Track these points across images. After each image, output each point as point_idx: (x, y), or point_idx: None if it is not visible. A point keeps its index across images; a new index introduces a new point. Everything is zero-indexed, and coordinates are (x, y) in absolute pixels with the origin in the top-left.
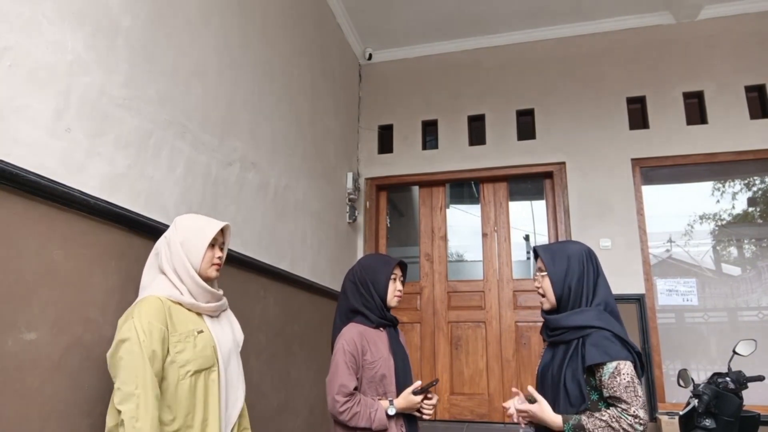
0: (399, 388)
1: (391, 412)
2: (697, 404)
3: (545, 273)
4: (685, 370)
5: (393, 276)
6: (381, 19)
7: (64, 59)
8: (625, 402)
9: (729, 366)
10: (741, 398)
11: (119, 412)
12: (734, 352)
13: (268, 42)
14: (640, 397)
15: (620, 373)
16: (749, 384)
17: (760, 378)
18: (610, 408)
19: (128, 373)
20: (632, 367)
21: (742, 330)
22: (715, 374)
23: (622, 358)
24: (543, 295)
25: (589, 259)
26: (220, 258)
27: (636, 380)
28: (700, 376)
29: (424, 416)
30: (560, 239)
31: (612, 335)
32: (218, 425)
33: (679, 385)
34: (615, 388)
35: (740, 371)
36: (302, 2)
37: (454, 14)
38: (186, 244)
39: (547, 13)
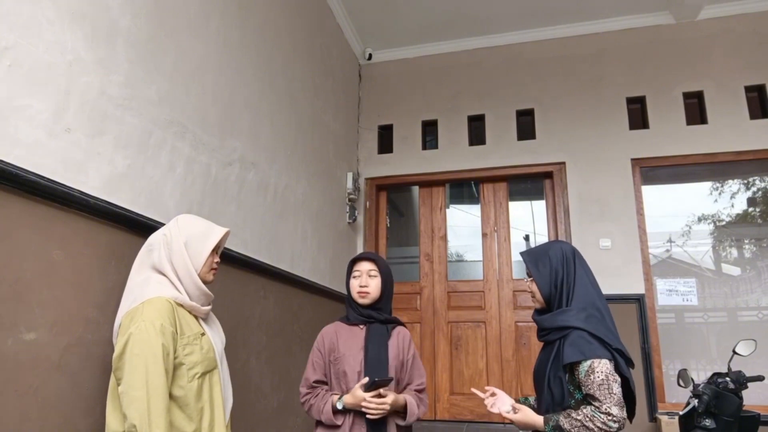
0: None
1: (339, 406)
2: (697, 404)
3: (532, 278)
4: (684, 370)
5: (355, 274)
6: (381, 19)
7: (64, 59)
8: (598, 400)
9: (729, 366)
10: (741, 398)
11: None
12: (734, 352)
13: (268, 42)
14: (614, 394)
15: (594, 371)
16: (749, 384)
17: (760, 378)
18: (586, 407)
19: (138, 377)
20: (608, 365)
21: (742, 330)
22: (714, 374)
23: (596, 356)
24: (532, 297)
25: (570, 259)
26: (218, 263)
27: (611, 378)
28: (700, 376)
29: (368, 416)
30: (560, 239)
31: (588, 335)
32: (223, 425)
33: (679, 385)
34: (589, 386)
35: (740, 371)
36: (302, 2)
37: (454, 14)
38: (190, 245)
39: (547, 13)
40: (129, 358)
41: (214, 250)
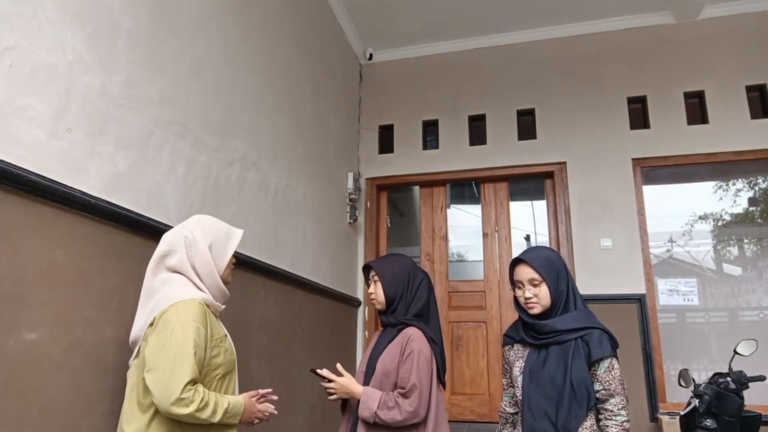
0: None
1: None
2: (698, 404)
3: (542, 281)
4: (686, 370)
5: (368, 281)
6: (381, 19)
7: (65, 59)
8: (620, 394)
9: (730, 366)
10: (742, 398)
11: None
12: (735, 352)
13: (268, 42)
14: (625, 388)
15: (613, 368)
16: (750, 384)
17: (761, 378)
18: (607, 424)
19: (187, 367)
20: (617, 361)
21: (743, 330)
22: (716, 374)
23: (615, 354)
24: (537, 303)
25: (564, 264)
26: (234, 263)
27: (621, 372)
28: (701, 376)
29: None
30: (561, 239)
31: (606, 334)
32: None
33: (680, 385)
34: (610, 381)
35: (741, 371)
36: (303, 2)
37: (454, 14)
38: (214, 248)
39: (547, 13)
40: (164, 353)
41: None
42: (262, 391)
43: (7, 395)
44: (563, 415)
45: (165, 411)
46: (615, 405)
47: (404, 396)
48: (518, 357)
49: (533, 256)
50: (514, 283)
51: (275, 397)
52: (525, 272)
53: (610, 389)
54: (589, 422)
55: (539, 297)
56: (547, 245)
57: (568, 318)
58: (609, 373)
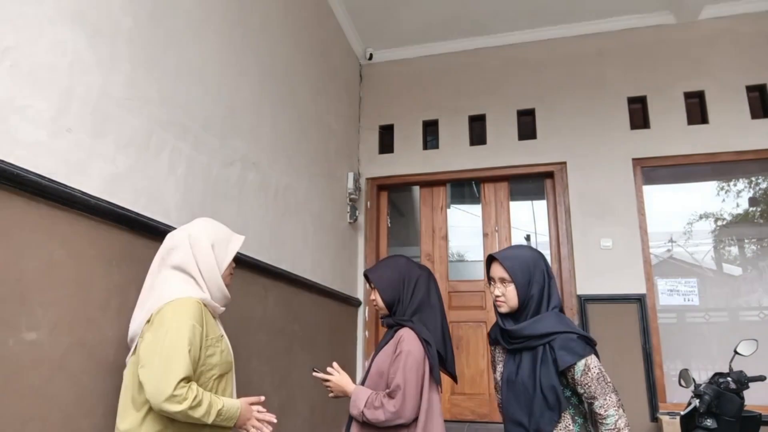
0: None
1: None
2: (698, 404)
3: (511, 281)
4: (686, 370)
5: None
6: (382, 19)
7: (65, 59)
8: (602, 395)
9: (730, 366)
10: (742, 398)
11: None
12: (735, 352)
13: (269, 42)
14: (609, 383)
15: (589, 369)
16: (750, 384)
17: (762, 378)
18: (597, 425)
19: (180, 364)
20: (596, 359)
21: (744, 330)
22: (716, 374)
23: (588, 354)
24: (504, 302)
25: (544, 265)
26: (234, 268)
27: (602, 370)
28: (702, 376)
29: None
30: (561, 239)
31: (575, 336)
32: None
33: (681, 385)
34: (588, 384)
35: (741, 371)
36: (303, 2)
37: (454, 14)
38: (217, 248)
39: (547, 13)
40: (158, 349)
41: None
42: (265, 416)
43: (7, 395)
44: (535, 422)
45: (157, 407)
46: (600, 407)
47: (389, 396)
48: (499, 360)
49: (506, 255)
50: (489, 279)
51: (273, 419)
52: (497, 270)
53: (590, 391)
54: (564, 423)
55: (506, 297)
56: (528, 245)
57: (536, 324)
58: (586, 376)
